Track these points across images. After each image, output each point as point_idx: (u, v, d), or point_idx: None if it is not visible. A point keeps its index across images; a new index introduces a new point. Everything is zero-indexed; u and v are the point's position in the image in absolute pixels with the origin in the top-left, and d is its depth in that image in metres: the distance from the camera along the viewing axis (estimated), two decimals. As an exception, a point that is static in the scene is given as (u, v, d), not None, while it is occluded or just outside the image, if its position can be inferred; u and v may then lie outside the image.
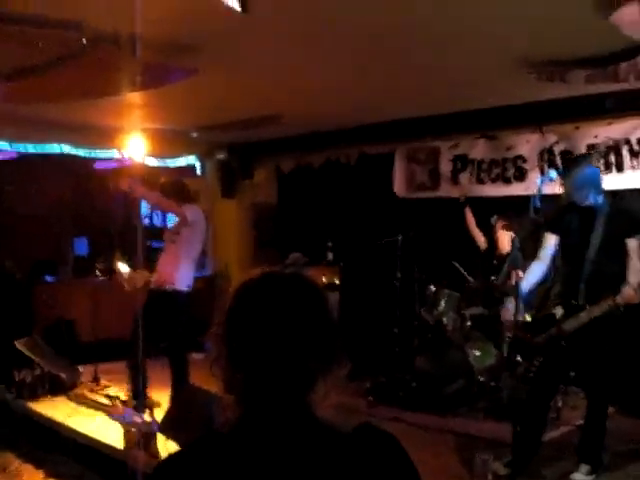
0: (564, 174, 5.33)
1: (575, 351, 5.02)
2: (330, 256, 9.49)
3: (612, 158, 7.22)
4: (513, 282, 5.53)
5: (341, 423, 1.45)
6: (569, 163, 5.64)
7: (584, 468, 5.00)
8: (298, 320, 1.43)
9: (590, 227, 5.03)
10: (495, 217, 7.56)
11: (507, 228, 7.31)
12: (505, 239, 7.38)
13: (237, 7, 3.73)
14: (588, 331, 4.90)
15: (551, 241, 5.30)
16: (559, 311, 5.04)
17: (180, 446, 4.88)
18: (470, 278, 7.75)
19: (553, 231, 5.30)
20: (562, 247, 5.27)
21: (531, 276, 5.37)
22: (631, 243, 4.95)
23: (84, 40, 5.01)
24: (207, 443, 1.44)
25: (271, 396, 1.41)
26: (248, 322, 1.43)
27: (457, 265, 7.84)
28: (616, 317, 4.86)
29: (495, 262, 7.50)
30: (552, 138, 7.72)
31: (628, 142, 7.11)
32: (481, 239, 7.88)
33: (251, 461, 1.37)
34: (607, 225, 4.98)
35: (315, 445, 1.39)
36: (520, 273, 5.43)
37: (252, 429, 1.42)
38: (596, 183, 5.15)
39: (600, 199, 5.12)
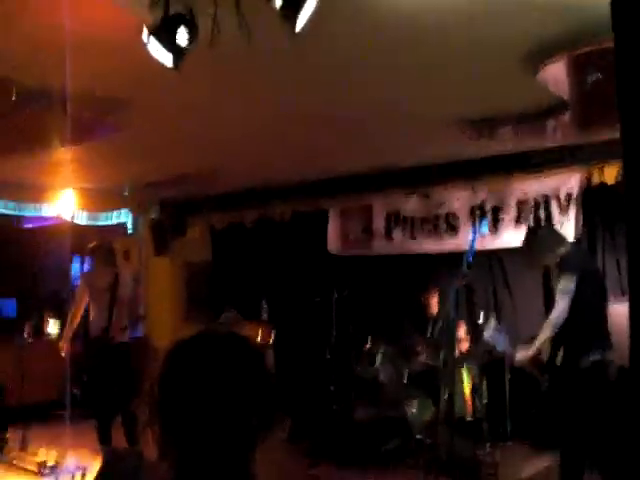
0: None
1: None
2: (265, 314, 9.39)
3: (542, 213, 7.36)
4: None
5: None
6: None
7: None
8: (233, 382, 1.35)
9: None
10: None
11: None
12: (433, 303, 7.73)
13: (169, 64, 3.69)
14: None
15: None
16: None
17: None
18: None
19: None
20: None
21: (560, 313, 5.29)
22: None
23: (13, 97, 4.93)
24: None
25: (206, 460, 1.32)
26: (180, 383, 1.35)
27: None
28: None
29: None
30: (482, 195, 7.84)
31: (557, 198, 7.26)
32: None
33: None
34: None
35: None
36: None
37: None
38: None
39: None
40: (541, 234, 5.85)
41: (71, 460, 6.73)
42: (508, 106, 5.76)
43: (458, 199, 8.07)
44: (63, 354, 7.33)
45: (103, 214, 10.51)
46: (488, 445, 6.66)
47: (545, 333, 5.17)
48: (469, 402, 6.82)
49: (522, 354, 5.24)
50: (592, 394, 5.05)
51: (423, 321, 7.71)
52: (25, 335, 9.98)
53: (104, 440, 7.17)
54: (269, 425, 1.39)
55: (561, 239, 5.66)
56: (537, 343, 5.22)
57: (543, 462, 6.59)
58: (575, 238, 7.03)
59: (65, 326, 7.74)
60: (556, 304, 5.24)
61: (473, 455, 6.24)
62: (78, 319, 7.45)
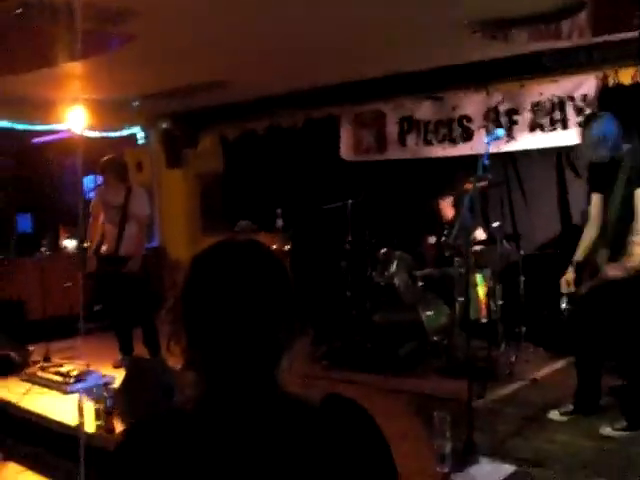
0: (582, 131, 5.07)
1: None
2: (279, 223, 9.41)
3: (557, 115, 7.29)
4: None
5: (306, 395, 1.39)
6: (585, 120, 5.32)
7: (620, 424, 4.93)
8: (260, 290, 1.34)
9: (613, 182, 4.84)
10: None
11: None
12: (447, 208, 7.76)
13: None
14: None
15: (596, 201, 5.11)
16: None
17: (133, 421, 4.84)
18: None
19: (596, 190, 5.14)
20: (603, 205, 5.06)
21: (584, 241, 5.16)
22: (637, 194, 4.76)
23: (18, 10, 4.85)
24: (170, 421, 1.36)
25: (236, 372, 1.33)
26: (206, 294, 1.34)
27: None
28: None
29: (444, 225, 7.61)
30: (497, 97, 7.76)
31: (572, 99, 7.18)
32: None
33: (219, 439, 1.30)
34: (627, 179, 4.77)
35: (285, 421, 1.33)
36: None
37: (218, 407, 1.34)
38: (609, 138, 4.83)
39: (617, 153, 4.85)
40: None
41: (95, 371, 6.88)
42: (522, 6, 5.63)
43: (472, 102, 7.99)
44: (91, 270, 7.41)
45: (114, 128, 10.47)
46: (503, 345, 6.76)
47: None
48: (484, 305, 6.89)
49: (614, 272, 4.77)
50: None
51: (438, 226, 7.72)
52: (42, 250, 10.09)
53: (126, 351, 7.34)
54: (295, 332, 1.39)
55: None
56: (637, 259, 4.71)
57: (558, 363, 6.72)
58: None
59: (84, 242, 7.82)
60: None
61: (488, 355, 6.34)
62: (98, 235, 7.51)
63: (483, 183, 5.55)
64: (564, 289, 5.18)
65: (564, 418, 5.26)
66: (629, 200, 4.77)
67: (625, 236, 4.79)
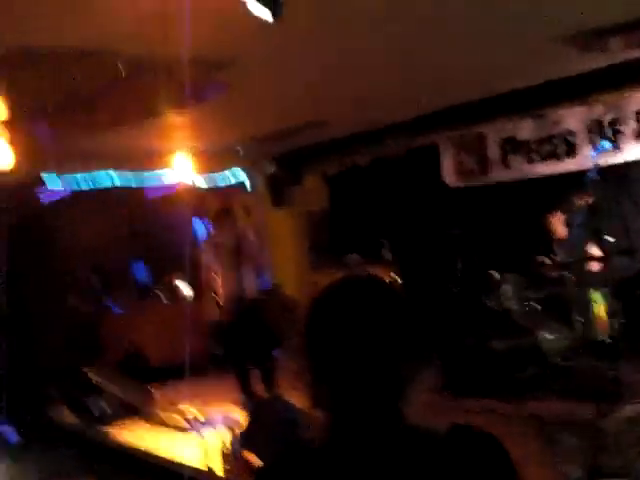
0: None
1: None
2: (387, 254, 9.42)
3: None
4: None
5: (432, 427, 1.39)
6: None
7: None
8: (381, 324, 1.36)
9: None
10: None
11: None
12: (558, 225, 7.37)
13: (269, 18, 3.71)
14: None
15: None
16: None
17: (263, 462, 4.88)
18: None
19: None
20: None
21: None
22: None
23: (121, 68, 5.07)
24: (299, 459, 1.39)
25: (362, 407, 1.35)
26: (330, 331, 1.37)
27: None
28: None
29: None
30: (599, 108, 7.57)
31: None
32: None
33: (348, 475, 1.32)
34: None
35: (412, 454, 1.33)
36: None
37: (345, 442, 1.35)
38: None
39: None
40: None
41: (217, 413, 6.97)
42: (617, 14, 5.50)
43: (574, 116, 7.81)
44: (213, 316, 7.60)
45: (220, 175, 10.74)
46: (628, 364, 6.52)
47: None
48: (604, 323, 6.67)
49: None
50: None
51: (549, 245, 7.55)
52: (162, 299, 10.39)
53: (246, 390, 7.42)
54: (418, 364, 1.41)
55: None
56: None
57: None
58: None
59: (201, 292, 8.04)
60: None
61: (613, 375, 6.12)
62: (213, 283, 7.69)
63: (592, 198, 5.42)
64: None
65: None
66: None
67: None
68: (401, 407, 1.37)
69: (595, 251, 6.93)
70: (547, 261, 7.58)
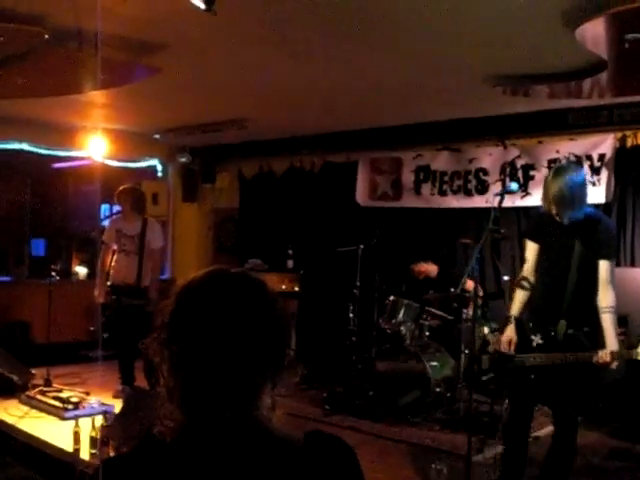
0: (550, 180, 4.31)
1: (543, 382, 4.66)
2: (290, 263, 9.43)
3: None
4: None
5: (291, 432, 1.37)
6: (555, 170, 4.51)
7: None
8: (244, 321, 1.33)
9: (570, 246, 4.35)
10: None
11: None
12: (429, 267, 7.66)
13: (202, 6, 3.68)
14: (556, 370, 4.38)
15: (533, 250, 4.60)
16: (537, 339, 4.45)
17: (117, 452, 4.85)
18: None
19: (534, 239, 4.62)
20: (542, 262, 4.57)
21: (518, 302, 4.65)
22: (603, 265, 4.31)
23: (46, 36, 4.93)
24: (149, 451, 1.35)
25: (214, 404, 1.32)
26: (190, 323, 1.33)
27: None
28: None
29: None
30: (514, 152, 7.78)
31: (590, 158, 7.17)
32: (433, 269, 7.77)
33: (196, 472, 1.29)
34: (585, 245, 4.32)
35: (264, 456, 1.31)
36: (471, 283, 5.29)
37: (195, 439, 1.33)
38: (582, 195, 4.32)
39: (581, 215, 4.33)
40: None
41: (95, 399, 6.84)
42: (545, 63, 5.67)
43: (490, 155, 8.01)
44: (101, 301, 7.46)
45: (134, 160, 10.56)
46: (507, 401, 6.67)
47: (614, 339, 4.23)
48: (487, 358, 6.81)
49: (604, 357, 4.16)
50: None
51: (449, 276, 7.67)
52: (53, 274, 10.11)
53: (127, 382, 7.32)
54: (279, 369, 1.38)
55: None
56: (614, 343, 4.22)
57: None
58: (606, 202, 6.97)
59: (96, 271, 7.87)
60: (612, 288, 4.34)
61: (490, 410, 6.27)
62: (109, 265, 7.56)
63: (493, 235, 5.52)
64: (504, 348, 4.56)
65: None
66: (586, 271, 4.34)
67: (580, 307, 4.35)
68: (255, 410, 1.35)
69: (478, 289, 7.03)
70: (442, 291, 7.70)
